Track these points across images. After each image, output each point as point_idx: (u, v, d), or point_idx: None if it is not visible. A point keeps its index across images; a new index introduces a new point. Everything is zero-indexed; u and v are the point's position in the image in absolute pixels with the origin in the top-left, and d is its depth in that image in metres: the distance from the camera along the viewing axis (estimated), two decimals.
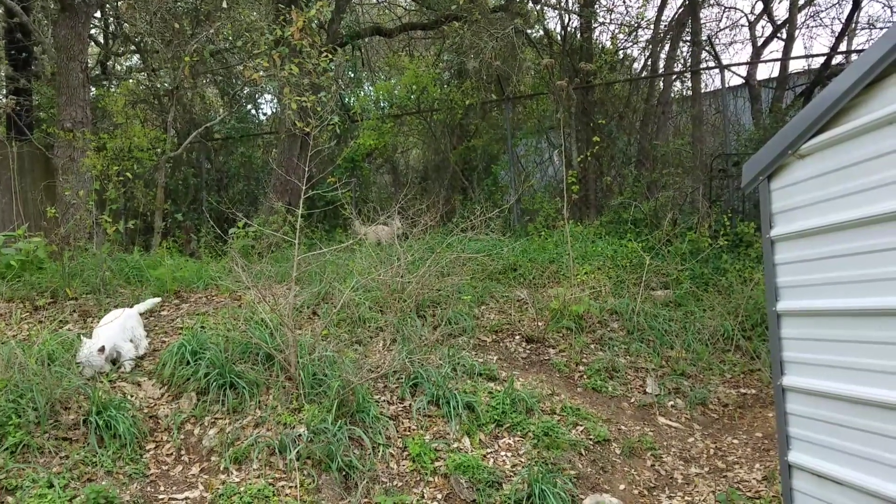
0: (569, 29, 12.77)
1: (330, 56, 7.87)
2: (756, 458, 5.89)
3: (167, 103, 12.35)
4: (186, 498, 4.53)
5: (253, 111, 16.12)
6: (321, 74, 7.85)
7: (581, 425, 6.00)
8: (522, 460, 5.40)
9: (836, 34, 13.29)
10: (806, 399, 3.23)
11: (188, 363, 5.60)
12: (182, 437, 5.09)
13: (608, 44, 13.53)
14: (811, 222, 3.09)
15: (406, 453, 5.29)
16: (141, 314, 6.38)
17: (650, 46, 13.75)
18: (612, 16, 13.60)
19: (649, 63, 14.05)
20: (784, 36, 13.59)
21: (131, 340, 5.91)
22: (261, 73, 7.84)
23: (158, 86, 13.62)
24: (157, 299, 7.08)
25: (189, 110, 14.17)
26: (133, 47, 15.39)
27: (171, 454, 4.94)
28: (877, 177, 2.73)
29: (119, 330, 5.74)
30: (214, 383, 5.42)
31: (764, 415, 6.61)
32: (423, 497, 4.87)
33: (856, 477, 2.97)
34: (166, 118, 11.93)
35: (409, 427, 5.62)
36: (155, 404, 5.43)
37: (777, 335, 3.37)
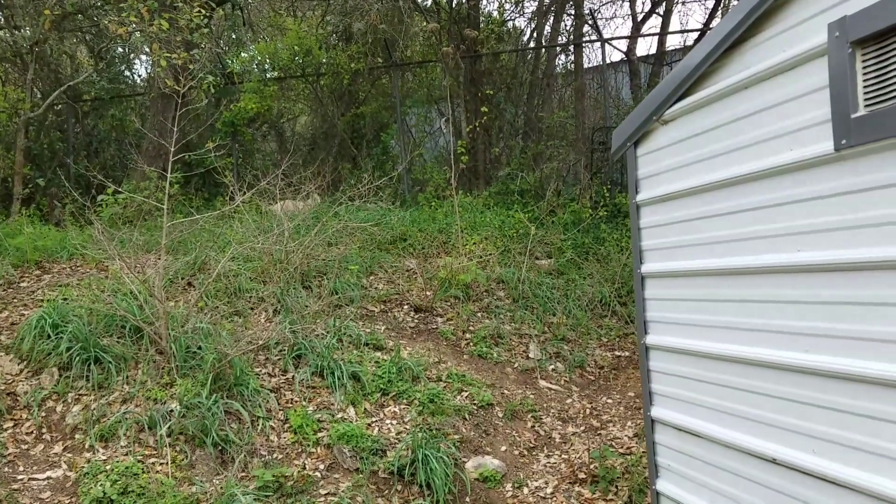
0: None
1: (204, 12, 7.40)
2: (628, 417, 6.21)
3: (29, 62, 11.28)
4: (49, 477, 4.30)
5: (127, 72, 15.00)
6: (194, 31, 7.37)
7: (466, 391, 6.09)
8: (407, 427, 5.42)
9: (710, 10, 13.94)
10: (667, 356, 3.37)
11: (49, 337, 5.24)
12: (43, 414, 4.79)
13: (495, 14, 13.60)
14: (673, 186, 3.18)
15: (287, 425, 5.18)
16: None
17: (536, 18, 13.92)
18: None
19: (535, 35, 14.25)
20: (662, 12, 14.15)
21: None
22: (129, 27, 7.25)
23: (21, 43, 12.38)
24: None
25: (55, 70, 12.99)
26: None
27: (32, 432, 4.66)
28: (732, 140, 2.81)
29: None
30: (78, 358, 5.09)
31: (636, 376, 6.96)
32: (304, 468, 4.79)
33: (712, 430, 3.08)
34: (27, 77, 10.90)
35: (292, 399, 5.50)
36: (13, 380, 5.07)
37: (641, 296, 3.50)
